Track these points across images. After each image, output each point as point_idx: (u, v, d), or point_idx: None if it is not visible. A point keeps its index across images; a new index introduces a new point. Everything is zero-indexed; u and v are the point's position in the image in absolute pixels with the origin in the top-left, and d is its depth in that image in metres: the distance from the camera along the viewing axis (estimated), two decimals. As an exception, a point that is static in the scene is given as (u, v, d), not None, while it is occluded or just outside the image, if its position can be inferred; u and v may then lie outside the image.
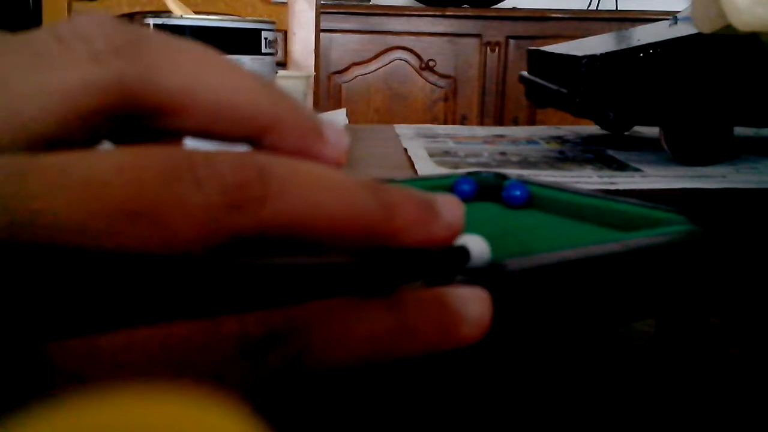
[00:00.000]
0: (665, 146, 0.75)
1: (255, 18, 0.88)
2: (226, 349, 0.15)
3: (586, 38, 0.99)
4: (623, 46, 0.75)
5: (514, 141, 0.90)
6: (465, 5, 2.28)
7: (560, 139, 0.92)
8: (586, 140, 0.92)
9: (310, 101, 1.02)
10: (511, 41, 2.25)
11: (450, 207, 0.19)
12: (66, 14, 1.15)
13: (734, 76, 0.72)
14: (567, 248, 0.26)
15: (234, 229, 0.15)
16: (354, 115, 2.05)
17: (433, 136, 0.93)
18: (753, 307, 0.35)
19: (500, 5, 2.31)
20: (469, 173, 0.42)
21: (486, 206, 0.39)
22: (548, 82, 0.85)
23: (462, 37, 2.24)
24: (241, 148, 0.19)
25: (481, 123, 2.22)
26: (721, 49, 0.71)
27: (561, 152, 0.82)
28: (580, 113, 0.75)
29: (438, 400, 0.24)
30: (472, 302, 0.18)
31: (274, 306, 0.16)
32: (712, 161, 0.74)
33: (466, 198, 0.40)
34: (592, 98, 0.74)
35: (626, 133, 0.98)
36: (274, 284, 0.16)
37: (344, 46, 2.22)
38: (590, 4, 2.43)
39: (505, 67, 2.25)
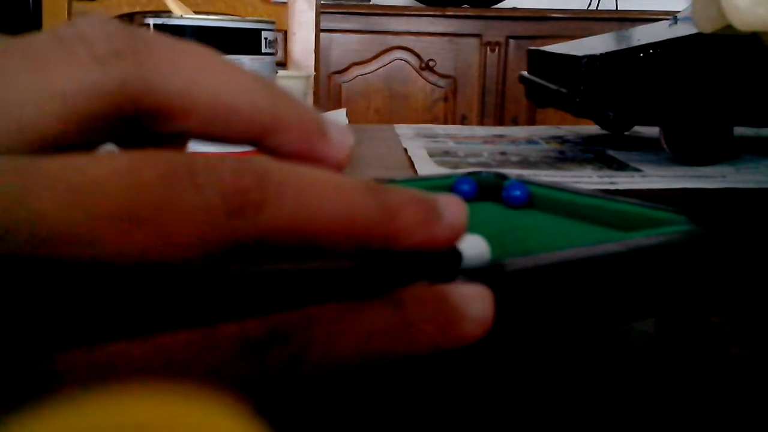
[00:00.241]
0: (665, 146, 0.75)
1: (255, 18, 0.88)
2: (227, 350, 0.15)
3: (586, 38, 0.99)
4: (623, 46, 0.75)
5: (514, 141, 0.90)
6: (465, 5, 2.28)
7: (560, 139, 0.92)
8: (586, 140, 0.92)
9: (310, 101, 1.02)
10: (511, 41, 2.25)
11: (452, 208, 0.19)
12: (66, 14, 1.15)
13: (734, 76, 0.72)
14: (567, 248, 0.26)
15: (233, 234, 0.15)
16: (354, 115, 2.05)
17: (433, 136, 0.93)
18: (754, 306, 0.35)
19: (500, 5, 2.31)
20: (469, 173, 0.42)
21: (486, 206, 0.39)
22: (548, 82, 0.85)
23: (462, 37, 2.24)
24: (246, 149, 0.19)
25: (481, 123, 2.23)
26: (721, 49, 0.71)
27: (561, 152, 0.82)
28: (580, 113, 0.75)
29: (439, 400, 0.24)
30: (474, 300, 0.18)
31: (274, 312, 0.16)
32: (712, 161, 0.74)
33: (466, 198, 0.40)
34: (592, 98, 0.74)
35: (626, 133, 0.98)
36: (273, 290, 0.16)
37: (344, 46, 2.22)
38: (590, 4, 2.43)
39: (505, 67, 2.25)
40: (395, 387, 0.24)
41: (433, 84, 2.25)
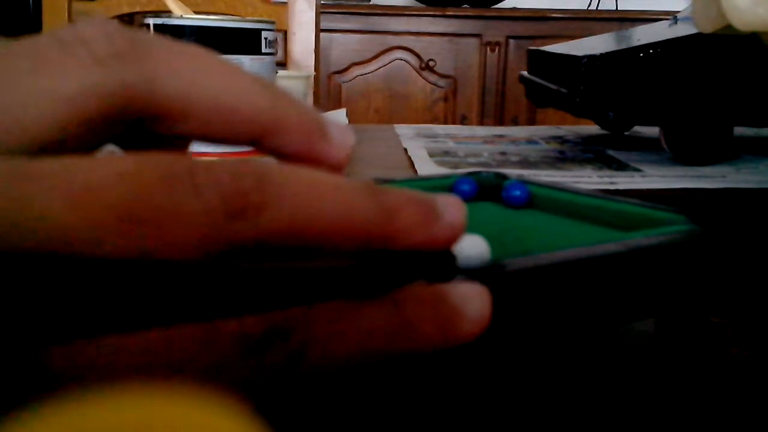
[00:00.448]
0: (665, 146, 0.75)
1: (255, 18, 0.88)
2: (227, 348, 0.16)
3: (586, 38, 0.99)
4: (623, 46, 0.75)
5: (514, 141, 0.90)
6: (465, 5, 2.28)
7: (560, 139, 0.92)
8: (586, 140, 0.92)
9: (310, 101, 1.02)
10: (511, 41, 2.25)
11: (451, 208, 0.19)
12: (66, 14, 1.15)
13: (734, 76, 0.72)
14: (567, 248, 0.26)
15: (233, 236, 0.15)
16: (354, 115, 2.05)
17: (433, 136, 0.93)
18: (754, 306, 0.35)
19: (500, 5, 2.31)
20: (469, 173, 0.42)
21: (486, 206, 0.39)
22: (548, 82, 0.85)
23: (462, 37, 2.24)
24: (245, 149, 0.19)
25: (481, 123, 2.23)
26: (721, 49, 0.71)
27: (561, 152, 0.82)
28: (580, 113, 0.75)
29: (438, 400, 0.24)
30: (471, 299, 0.18)
31: (272, 309, 0.16)
32: (712, 161, 0.74)
33: (466, 198, 0.40)
34: (592, 98, 0.74)
35: (626, 133, 0.98)
36: (272, 288, 0.16)
37: (344, 46, 2.22)
38: (590, 4, 2.43)
39: (505, 67, 2.25)
40: (395, 386, 0.24)
41: (433, 84, 2.25)
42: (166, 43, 0.18)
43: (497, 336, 0.21)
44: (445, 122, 2.22)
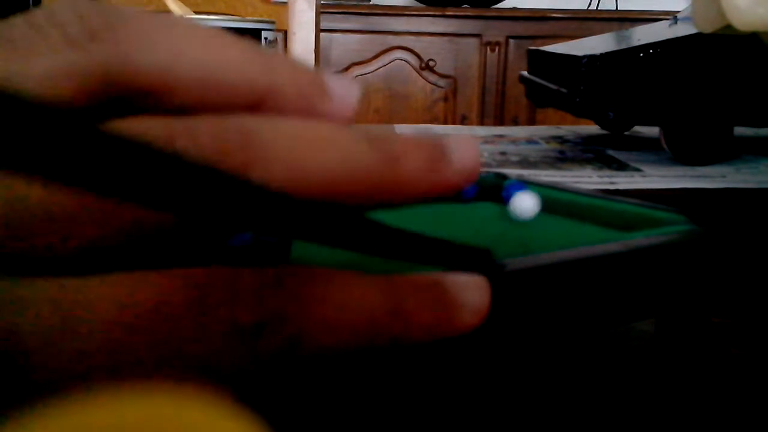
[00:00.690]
0: (665, 146, 0.75)
1: (255, 18, 0.88)
2: (220, 335, 0.15)
3: (586, 38, 0.99)
4: (623, 46, 0.75)
5: (514, 141, 0.90)
6: (465, 5, 2.28)
7: (560, 139, 0.92)
8: (586, 140, 0.92)
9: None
10: (511, 41, 2.25)
11: (463, 149, 0.17)
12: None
13: (734, 76, 0.72)
14: (567, 248, 0.26)
15: None
16: (354, 115, 2.05)
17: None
18: (754, 306, 0.35)
19: (500, 5, 2.31)
20: (469, 173, 0.42)
21: (486, 206, 0.39)
22: (548, 82, 0.85)
23: (462, 37, 2.24)
24: None
25: (481, 123, 2.22)
26: (721, 49, 0.71)
27: (561, 152, 0.82)
28: (580, 113, 0.75)
29: (437, 400, 0.24)
30: (470, 289, 0.18)
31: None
32: (712, 161, 0.74)
33: (466, 198, 0.40)
34: (592, 98, 0.74)
35: (626, 133, 0.98)
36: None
37: (344, 46, 2.22)
38: (590, 4, 2.43)
39: (505, 67, 2.25)
40: (395, 386, 0.24)
41: (433, 84, 2.25)
42: (143, 16, 0.17)
43: (497, 336, 0.21)
44: (445, 122, 2.22)
